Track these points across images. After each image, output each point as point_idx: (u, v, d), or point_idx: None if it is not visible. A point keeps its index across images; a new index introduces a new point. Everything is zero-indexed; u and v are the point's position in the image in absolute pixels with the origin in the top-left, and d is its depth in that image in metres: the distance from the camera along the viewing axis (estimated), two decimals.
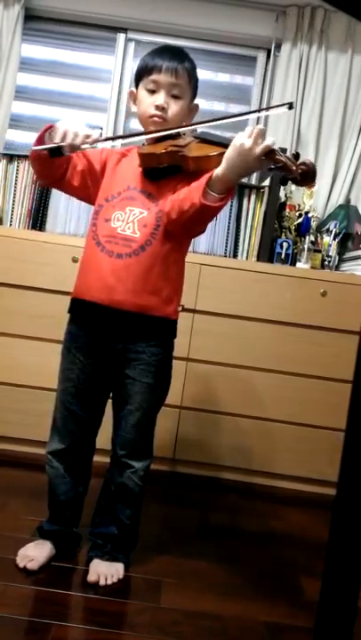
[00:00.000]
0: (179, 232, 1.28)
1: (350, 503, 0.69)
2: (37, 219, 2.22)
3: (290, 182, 1.19)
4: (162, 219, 1.27)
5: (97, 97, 2.81)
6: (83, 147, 1.21)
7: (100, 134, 1.24)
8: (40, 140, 1.24)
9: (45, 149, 1.21)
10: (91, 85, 2.82)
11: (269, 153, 1.13)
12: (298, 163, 1.14)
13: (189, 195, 1.21)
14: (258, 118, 2.77)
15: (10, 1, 2.60)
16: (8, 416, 2.06)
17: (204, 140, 1.29)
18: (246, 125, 1.18)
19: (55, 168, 1.30)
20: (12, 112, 2.66)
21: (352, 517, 0.69)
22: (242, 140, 1.13)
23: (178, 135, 1.30)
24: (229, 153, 1.15)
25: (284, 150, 1.26)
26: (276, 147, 1.15)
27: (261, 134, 1.13)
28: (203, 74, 3.15)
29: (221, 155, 1.17)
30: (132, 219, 1.28)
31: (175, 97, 1.31)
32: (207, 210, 1.19)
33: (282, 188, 2.33)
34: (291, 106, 1.22)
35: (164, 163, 1.27)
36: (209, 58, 2.79)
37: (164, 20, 2.69)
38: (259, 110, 1.30)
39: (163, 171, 1.29)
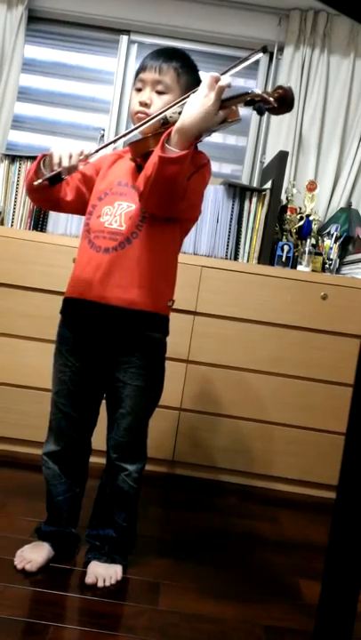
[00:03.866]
0: (154, 208, 1.24)
1: (350, 506, 0.69)
2: (39, 220, 2.22)
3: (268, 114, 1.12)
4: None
5: (99, 99, 2.82)
6: (80, 166, 1.21)
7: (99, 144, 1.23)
8: (36, 172, 1.25)
9: (46, 179, 1.21)
10: (93, 87, 2.83)
11: (235, 97, 1.10)
12: (271, 91, 1.07)
13: (151, 159, 1.18)
14: (260, 119, 2.79)
15: (13, 2, 2.61)
16: (9, 417, 2.06)
17: None
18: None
19: (55, 193, 1.32)
20: (14, 113, 2.67)
21: (352, 521, 0.69)
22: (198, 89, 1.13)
23: (167, 123, 1.25)
24: (187, 105, 1.14)
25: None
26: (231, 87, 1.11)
27: (215, 80, 1.11)
28: (204, 77, 3.12)
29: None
30: (120, 212, 1.28)
31: (160, 93, 1.29)
32: (165, 163, 1.12)
33: (283, 191, 2.33)
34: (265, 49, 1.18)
35: (153, 146, 1.23)
36: (211, 60, 2.79)
37: (167, 23, 2.70)
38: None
39: None
